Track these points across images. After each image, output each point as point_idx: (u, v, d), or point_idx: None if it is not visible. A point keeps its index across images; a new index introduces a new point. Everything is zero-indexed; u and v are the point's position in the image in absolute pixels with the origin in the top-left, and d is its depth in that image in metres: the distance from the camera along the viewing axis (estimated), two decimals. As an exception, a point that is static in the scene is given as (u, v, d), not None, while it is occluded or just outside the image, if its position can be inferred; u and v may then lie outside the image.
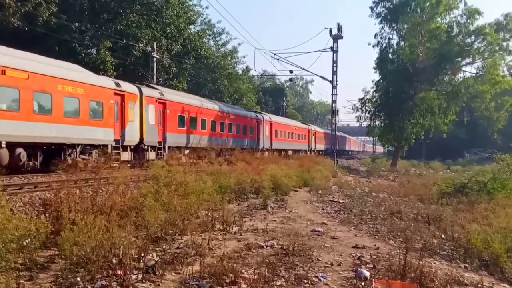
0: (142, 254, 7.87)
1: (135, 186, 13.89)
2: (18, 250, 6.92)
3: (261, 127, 44.18)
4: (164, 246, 9.00)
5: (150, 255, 8.10)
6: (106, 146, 22.84)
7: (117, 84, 24.40)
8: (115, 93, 23.69)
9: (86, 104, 21.48)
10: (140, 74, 40.80)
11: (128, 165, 21.86)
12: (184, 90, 44.73)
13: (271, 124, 47.04)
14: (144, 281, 7.03)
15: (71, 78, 20.85)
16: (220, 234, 10.84)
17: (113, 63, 36.70)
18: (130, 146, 24.98)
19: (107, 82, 24.02)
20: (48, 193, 12.22)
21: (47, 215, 9.17)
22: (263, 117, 45.40)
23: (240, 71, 68.64)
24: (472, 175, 24.57)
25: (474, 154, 77.12)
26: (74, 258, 7.11)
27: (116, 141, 23.68)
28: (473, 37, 47.21)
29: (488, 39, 45.65)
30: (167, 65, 42.53)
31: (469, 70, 51.49)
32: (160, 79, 41.97)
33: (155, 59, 38.47)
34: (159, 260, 7.86)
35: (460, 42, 46.90)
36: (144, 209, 9.79)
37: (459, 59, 48.18)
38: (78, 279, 6.76)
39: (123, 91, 24.60)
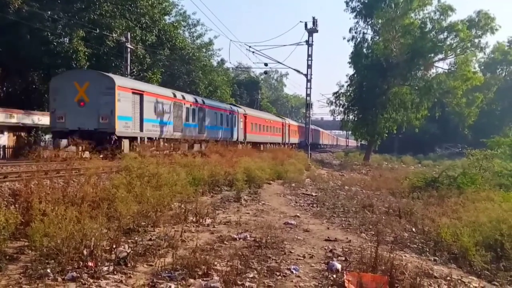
0: (114, 246, 7.80)
1: (107, 177, 13.75)
2: (-13, 241, 6.81)
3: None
4: (136, 238, 8.95)
5: (122, 246, 8.04)
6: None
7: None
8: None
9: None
10: (113, 64, 40.28)
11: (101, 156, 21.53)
12: (158, 82, 44.34)
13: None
14: (115, 272, 6.98)
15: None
16: (193, 226, 10.82)
17: (86, 53, 36.19)
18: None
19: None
20: (18, 183, 12.03)
21: (16, 205, 9.03)
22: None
23: (215, 64, 68.40)
24: (442, 169, 24.98)
25: (445, 149, 78.20)
26: (44, 250, 7.03)
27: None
28: (445, 33, 47.91)
29: (460, 36, 46.32)
30: (141, 56, 42.04)
31: (442, 66, 52.22)
32: (134, 70, 41.52)
33: (129, 49, 37.96)
34: (131, 252, 7.81)
35: (433, 38, 47.50)
36: (116, 201, 9.70)
37: (432, 55, 48.84)
38: (48, 270, 6.68)
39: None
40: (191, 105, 34.20)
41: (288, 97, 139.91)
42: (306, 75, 45.31)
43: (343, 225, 12.60)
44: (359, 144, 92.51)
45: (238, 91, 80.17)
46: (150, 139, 27.44)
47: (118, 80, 25.57)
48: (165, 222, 10.32)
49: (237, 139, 43.53)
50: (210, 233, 10.23)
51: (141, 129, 26.62)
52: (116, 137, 23.95)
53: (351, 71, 53.11)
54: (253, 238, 9.70)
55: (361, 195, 20.00)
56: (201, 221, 11.26)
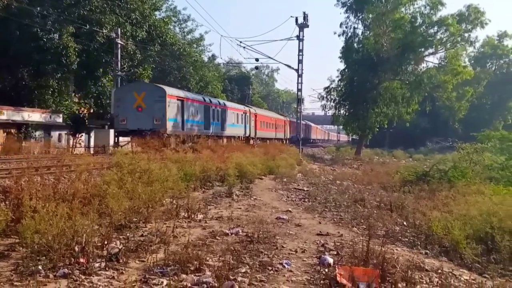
0: (106, 242, 7.77)
1: (98, 173, 13.70)
2: (-23, 239, 6.77)
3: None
4: (128, 234, 8.93)
5: (114, 243, 8.01)
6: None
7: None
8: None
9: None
10: (104, 60, 40.13)
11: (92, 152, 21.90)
12: (149, 78, 44.21)
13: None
14: (107, 269, 6.95)
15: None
16: (185, 221, 10.79)
17: (76, 49, 36.02)
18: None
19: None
20: (8, 180, 11.96)
21: (7, 202, 8.97)
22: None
23: (206, 59, 68.29)
24: (433, 163, 25.08)
25: (436, 143, 78.56)
26: (36, 246, 6.98)
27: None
28: (436, 28, 48.10)
29: (450, 30, 46.51)
30: (131, 52, 41.91)
31: (432, 60, 52.40)
32: (125, 66, 41.37)
33: (119, 45, 37.86)
34: (123, 248, 7.78)
35: (423, 32, 47.69)
36: (107, 197, 9.65)
37: (422, 49, 49.01)
38: (40, 267, 6.64)
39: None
40: (215, 107, 40.25)
41: (279, 92, 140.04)
42: (297, 70, 45.29)
43: (335, 219, 12.62)
44: (350, 139, 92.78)
45: (229, 86, 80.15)
46: (188, 136, 33.21)
47: (168, 90, 32.27)
48: (156, 218, 10.29)
49: (249, 136, 49.34)
50: (202, 229, 10.21)
51: (183, 128, 32.91)
52: (167, 135, 29.24)
53: (342, 66, 53.34)
54: (245, 233, 9.70)
55: (353, 190, 20.06)
56: (192, 216, 11.24)
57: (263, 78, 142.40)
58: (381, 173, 27.41)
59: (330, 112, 56.11)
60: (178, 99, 32.44)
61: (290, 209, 13.86)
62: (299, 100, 48.91)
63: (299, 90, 46.22)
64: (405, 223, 12.55)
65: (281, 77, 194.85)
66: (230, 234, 9.69)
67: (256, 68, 77.57)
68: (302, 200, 16.30)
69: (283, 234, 10.05)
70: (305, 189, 19.55)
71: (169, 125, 30.57)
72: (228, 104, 46.42)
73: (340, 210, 14.20)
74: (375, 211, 14.15)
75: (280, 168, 24.74)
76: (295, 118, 59.12)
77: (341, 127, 75.57)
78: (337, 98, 53.09)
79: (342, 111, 53.62)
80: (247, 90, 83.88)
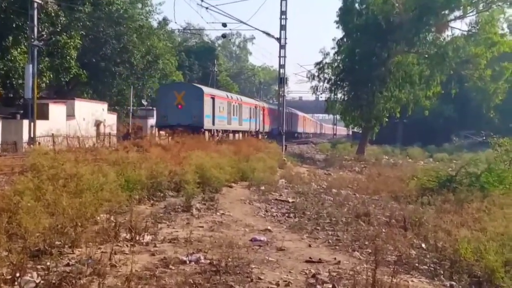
0: (18, 274, 7.71)
1: (8, 180, 13.57)
2: None
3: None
4: (48, 263, 8.85)
5: (29, 275, 7.96)
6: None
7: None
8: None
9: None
10: (14, 25, 39.60)
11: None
12: (77, 49, 43.80)
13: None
14: (19, 311, 6.91)
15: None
16: (127, 245, 10.78)
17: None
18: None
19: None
20: None
21: None
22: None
23: (154, 24, 67.95)
24: (461, 165, 25.29)
25: (464, 138, 79.09)
26: None
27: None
28: (464, -17, 48.24)
29: (483, -14, 46.73)
30: (53, 14, 41.45)
31: (459, 26, 52.73)
32: (43, 33, 40.83)
33: (35, 5, 37.40)
34: (42, 282, 7.73)
35: (448, -11, 47.82)
36: (20, 212, 9.57)
37: (446, 11, 49.10)
38: None
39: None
40: (235, 103, 56.15)
41: (255, 69, 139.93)
42: (279, 40, 45.40)
43: (330, 241, 12.70)
44: (350, 133, 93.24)
45: (187, 61, 79.99)
46: (216, 130, 48.26)
47: (205, 89, 49.31)
48: (88, 241, 10.23)
49: (259, 130, 64.82)
50: (150, 255, 10.21)
51: (213, 123, 48.00)
52: (203, 130, 43.01)
53: (339, 34, 53.38)
54: (208, 261, 9.71)
55: (354, 201, 20.16)
56: (137, 238, 11.21)
57: (233, 50, 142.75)
58: (391, 178, 27.59)
59: (323, 97, 56.39)
60: (211, 97, 48.00)
61: (269, 227, 13.91)
62: (282, 80, 48.91)
63: (282, 66, 46.36)
64: (423, 245, 12.65)
65: (257, 48, 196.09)
66: (188, 262, 9.70)
67: (224, 36, 77.97)
68: (286, 215, 16.38)
69: (260, 261, 10.09)
70: (290, 200, 19.64)
71: (205, 121, 45.15)
72: (244, 99, 63.14)
73: (336, 229, 14.28)
74: (383, 230, 14.24)
75: (256, 172, 24.76)
76: (275, 104, 59.51)
77: (338, 116, 75.79)
78: (332, 77, 53.19)
79: (339, 95, 53.84)
80: (211, 67, 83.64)
